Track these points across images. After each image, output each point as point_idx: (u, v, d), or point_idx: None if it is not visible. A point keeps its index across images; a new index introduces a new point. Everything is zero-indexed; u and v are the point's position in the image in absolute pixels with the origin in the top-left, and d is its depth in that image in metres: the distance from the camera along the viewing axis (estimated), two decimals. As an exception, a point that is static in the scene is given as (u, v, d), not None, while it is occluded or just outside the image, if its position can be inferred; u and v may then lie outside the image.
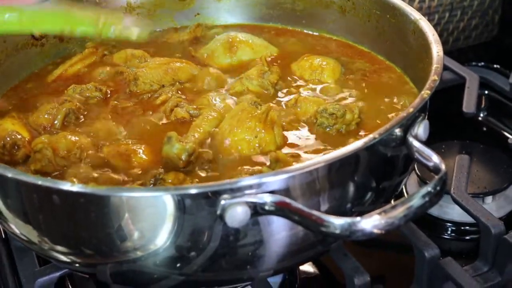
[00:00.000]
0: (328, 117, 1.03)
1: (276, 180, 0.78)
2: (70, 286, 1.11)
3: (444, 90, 1.48)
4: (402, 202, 0.77)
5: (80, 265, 0.91)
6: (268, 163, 0.94)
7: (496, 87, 1.53)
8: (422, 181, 1.25)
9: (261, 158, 0.97)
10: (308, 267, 1.15)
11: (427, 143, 0.87)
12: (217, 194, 0.76)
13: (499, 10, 1.74)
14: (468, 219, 1.16)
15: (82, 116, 1.09)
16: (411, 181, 1.29)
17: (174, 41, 1.33)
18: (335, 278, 1.14)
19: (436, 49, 1.00)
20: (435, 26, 1.65)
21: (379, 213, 0.76)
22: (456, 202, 1.14)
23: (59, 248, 0.88)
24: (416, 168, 1.25)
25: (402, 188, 1.24)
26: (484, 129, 1.50)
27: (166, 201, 0.77)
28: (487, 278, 1.06)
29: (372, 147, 0.84)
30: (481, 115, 1.53)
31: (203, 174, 0.94)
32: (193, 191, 0.77)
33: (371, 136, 0.83)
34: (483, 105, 1.53)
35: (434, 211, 1.23)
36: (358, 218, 0.75)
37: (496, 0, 1.71)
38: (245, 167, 0.95)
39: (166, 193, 0.77)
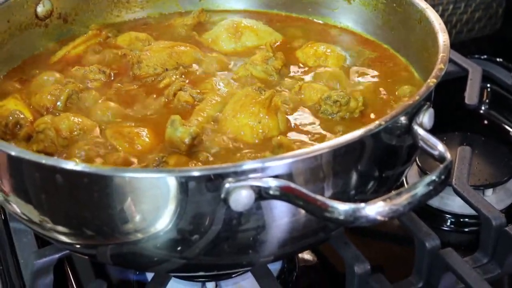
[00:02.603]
0: (332, 105, 1.03)
1: (281, 165, 0.78)
2: (68, 269, 1.11)
3: (447, 82, 1.47)
4: (406, 190, 0.77)
5: (80, 246, 0.90)
6: (271, 148, 0.94)
7: (498, 80, 1.53)
8: (423, 172, 1.25)
9: (264, 143, 0.97)
10: (307, 256, 1.15)
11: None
12: (221, 177, 0.76)
13: (503, 3, 1.74)
14: (468, 211, 1.16)
15: (84, 98, 1.09)
16: (412, 172, 1.29)
17: (178, 26, 1.32)
18: (334, 267, 1.14)
19: (443, 38, 0.99)
20: (438, 18, 1.65)
21: (384, 200, 0.75)
22: (458, 193, 1.14)
23: (60, 228, 0.87)
24: (417, 160, 1.25)
25: (403, 180, 1.24)
26: (486, 122, 1.51)
27: (170, 183, 0.77)
28: (487, 270, 1.06)
29: (377, 134, 0.83)
30: (483, 108, 1.53)
31: (206, 158, 0.94)
32: (197, 173, 0.76)
33: (376, 122, 0.83)
34: (485, 98, 1.53)
35: (435, 202, 1.23)
36: (362, 204, 0.75)
37: (500, -7, 1.72)
38: (247, 151, 0.95)
39: (169, 175, 0.77)
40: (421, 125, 0.87)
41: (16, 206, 0.89)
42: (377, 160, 0.87)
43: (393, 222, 1.12)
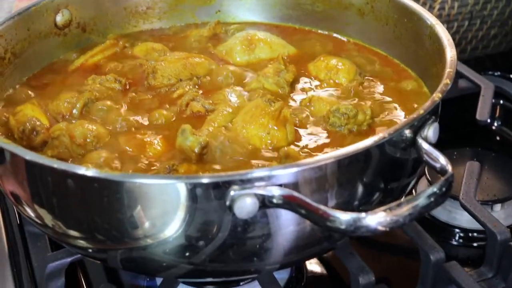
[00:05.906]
0: (340, 117, 1.04)
1: (285, 174, 0.80)
2: (80, 273, 1.13)
3: (459, 98, 1.49)
4: (407, 201, 0.79)
5: (92, 250, 0.92)
6: (278, 159, 0.95)
7: (511, 97, 1.53)
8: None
9: (272, 154, 0.99)
10: (315, 266, 1.16)
11: (440, 149, 0.88)
12: (227, 184, 0.78)
13: (519, 20, 1.75)
14: (476, 225, 1.16)
15: (100, 106, 1.11)
16: (421, 185, 1.30)
17: (194, 37, 1.34)
18: (341, 277, 1.15)
19: (450, 54, 1.01)
20: (453, 35, 1.66)
21: (385, 210, 0.77)
22: (464, 207, 1.15)
23: (72, 232, 0.89)
24: (426, 173, 1.26)
25: (412, 192, 1.25)
26: (497, 138, 1.51)
27: (179, 189, 0.79)
28: (491, 284, 1.07)
29: (382, 146, 0.85)
30: (495, 124, 1.53)
31: (215, 167, 0.96)
32: (205, 180, 0.78)
33: (381, 135, 0.84)
34: (497, 115, 1.54)
35: (443, 216, 1.24)
36: (363, 214, 0.76)
37: (516, 11, 1.72)
38: (255, 161, 0.96)
39: (178, 181, 0.79)
40: (425, 139, 0.88)
41: (30, 210, 0.92)
42: (382, 171, 0.89)
43: (399, 234, 1.13)
